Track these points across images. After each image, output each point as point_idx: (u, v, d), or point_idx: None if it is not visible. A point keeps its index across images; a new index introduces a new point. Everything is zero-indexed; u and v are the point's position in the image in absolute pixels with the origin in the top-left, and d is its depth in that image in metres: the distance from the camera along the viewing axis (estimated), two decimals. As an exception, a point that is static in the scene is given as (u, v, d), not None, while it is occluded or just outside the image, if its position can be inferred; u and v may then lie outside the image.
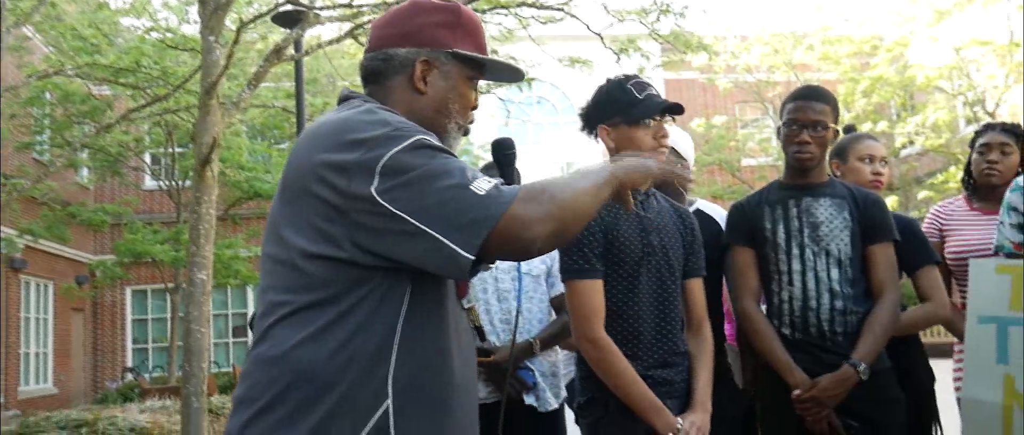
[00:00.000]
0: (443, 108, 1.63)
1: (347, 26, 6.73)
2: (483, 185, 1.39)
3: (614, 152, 2.44)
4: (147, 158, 17.20)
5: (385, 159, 1.39)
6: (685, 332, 2.45)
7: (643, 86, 2.40)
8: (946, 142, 15.89)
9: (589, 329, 2.30)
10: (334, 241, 1.42)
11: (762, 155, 19.25)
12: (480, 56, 1.66)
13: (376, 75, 1.64)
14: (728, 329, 2.93)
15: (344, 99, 1.63)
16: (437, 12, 1.66)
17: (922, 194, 16.51)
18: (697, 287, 2.52)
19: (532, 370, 3.18)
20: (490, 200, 1.38)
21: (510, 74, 1.80)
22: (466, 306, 1.71)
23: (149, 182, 17.78)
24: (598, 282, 2.32)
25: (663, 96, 2.42)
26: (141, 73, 9.82)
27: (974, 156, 3.31)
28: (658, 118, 2.34)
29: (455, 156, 1.49)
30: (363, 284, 1.43)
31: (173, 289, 14.45)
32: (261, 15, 6.38)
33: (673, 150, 2.91)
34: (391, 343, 1.44)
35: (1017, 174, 3.17)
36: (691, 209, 2.94)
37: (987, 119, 15.14)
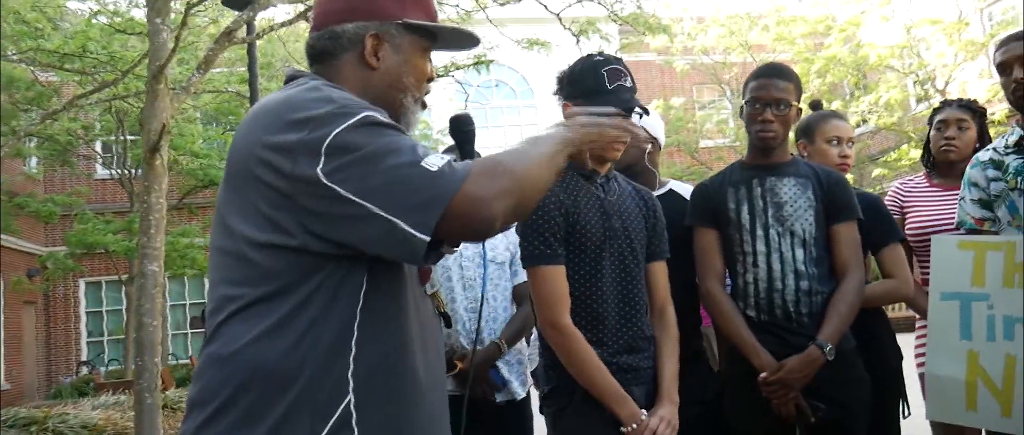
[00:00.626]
0: (397, 82, 1.55)
1: (300, 8, 6.56)
2: (435, 162, 1.32)
3: None
4: (98, 146, 16.78)
5: (330, 138, 1.31)
6: (649, 316, 2.42)
7: (617, 75, 2.33)
8: (898, 120, 16.15)
9: (553, 315, 2.26)
10: (282, 228, 1.35)
11: (720, 136, 19.41)
12: (433, 24, 1.59)
13: (324, 54, 1.56)
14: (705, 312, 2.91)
15: (290, 78, 1.55)
16: None
17: (876, 172, 16.78)
18: (660, 270, 2.48)
19: (500, 371, 3.17)
20: (443, 177, 1.30)
21: (465, 41, 1.72)
22: (430, 292, 1.64)
23: (100, 171, 17.37)
24: (560, 268, 2.28)
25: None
26: (88, 58, 9.52)
27: (932, 133, 3.32)
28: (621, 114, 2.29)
29: (404, 132, 1.42)
30: (316, 273, 1.36)
31: (128, 280, 14.17)
32: (210, -3, 6.21)
33: (647, 132, 2.87)
34: (349, 335, 1.37)
35: (974, 149, 3.19)
36: (663, 190, 2.90)
37: (938, 97, 15.44)
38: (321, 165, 1.30)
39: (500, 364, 3.19)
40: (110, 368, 16.94)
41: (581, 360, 2.23)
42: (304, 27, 8.44)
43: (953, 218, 3.01)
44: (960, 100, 3.34)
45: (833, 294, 2.53)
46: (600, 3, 7.48)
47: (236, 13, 7.11)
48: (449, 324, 1.76)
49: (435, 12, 1.63)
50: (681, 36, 17.82)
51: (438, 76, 8.25)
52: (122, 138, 14.31)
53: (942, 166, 3.29)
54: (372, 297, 1.40)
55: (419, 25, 1.57)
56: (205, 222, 15.42)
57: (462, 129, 1.72)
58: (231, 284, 1.40)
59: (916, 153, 15.08)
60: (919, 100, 16.97)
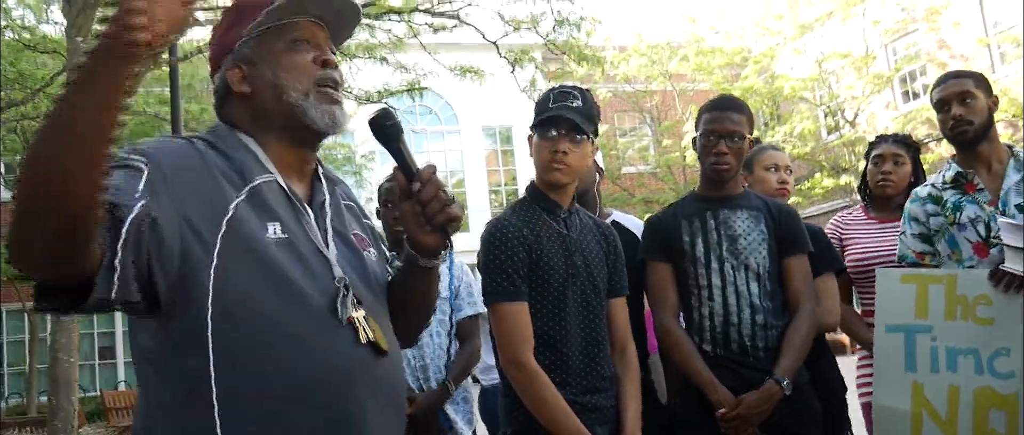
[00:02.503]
0: (275, 90, 1.45)
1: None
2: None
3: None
4: (0, 167, 15.95)
5: None
6: (610, 353, 2.39)
7: (562, 96, 2.33)
8: (811, 150, 16.71)
9: (517, 354, 2.21)
10: None
11: (641, 163, 19.73)
12: (263, 14, 1.45)
13: (220, 110, 1.53)
14: (651, 340, 2.90)
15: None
16: (221, 22, 1.54)
17: (791, 200, 17.29)
18: (621, 307, 2.47)
19: (447, 413, 3.11)
20: None
21: (341, 9, 1.55)
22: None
23: (5, 193, 16.50)
24: (524, 305, 2.24)
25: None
26: (-6, 76, 9.04)
27: (869, 167, 3.42)
28: (562, 131, 2.28)
29: (133, 166, 1.25)
30: None
31: (33, 309, 13.43)
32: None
33: (596, 163, 2.87)
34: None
35: (909, 183, 3.30)
36: (607, 221, 2.89)
37: (847, 127, 16.08)
38: None
39: (447, 405, 3.12)
40: (11, 403, 16.00)
41: (545, 401, 2.19)
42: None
43: (892, 250, 3.10)
44: (895, 135, 3.46)
45: (787, 328, 2.55)
46: (537, 32, 7.52)
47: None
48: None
49: (268, 2, 1.47)
50: (596, 63, 18.12)
51: (370, 100, 8.14)
52: (28, 160, 13.60)
53: (879, 199, 3.39)
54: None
55: (260, 27, 1.46)
56: (117, 248, 14.77)
57: (383, 126, 1.47)
58: None
59: (829, 182, 15.66)
60: (830, 131, 17.63)
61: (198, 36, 9.22)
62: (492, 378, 3.50)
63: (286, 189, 1.44)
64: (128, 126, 11.87)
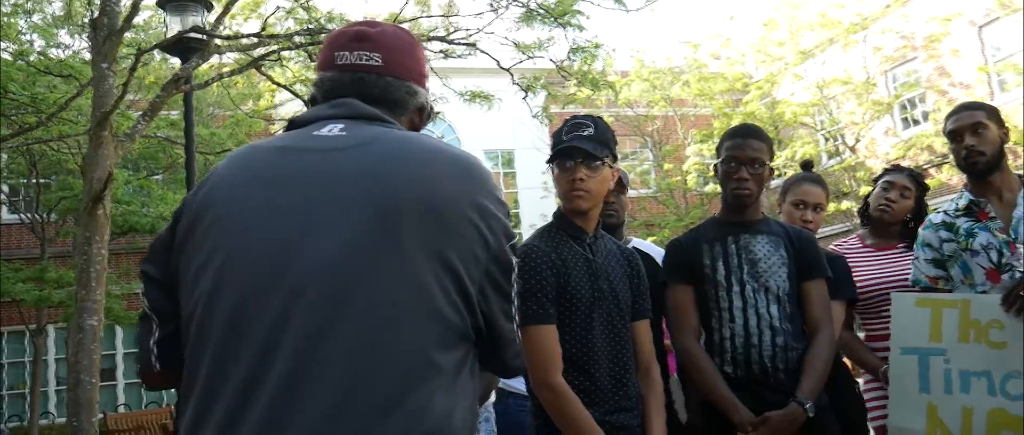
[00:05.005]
0: None
1: (246, 57, 6.49)
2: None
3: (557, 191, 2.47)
4: (3, 188, 16.01)
5: (514, 234, 1.41)
6: (636, 374, 2.47)
7: (575, 128, 2.42)
8: (812, 175, 16.80)
9: (547, 376, 2.28)
10: (466, 293, 1.32)
11: (642, 187, 19.83)
12: (431, 114, 1.61)
13: (396, 104, 1.49)
14: (670, 362, 2.97)
15: (376, 118, 1.44)
16: (423, 55, 1.59)
17: (792, 224, 17.34)
18: (645, 329, 2.54)
19: None
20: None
21: None
22: None
23: (7, 215, 16.56)
24: (553, 327, 2.31)
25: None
26: (7, 99, 9.14)
27: (876, 190, 3.49)
28: (578, 160, 2.37)
29: None
30: (472, 350, 1.38)
31: (36, 331, 13.44)
32: (161, 43, 6.03)
33: (620, 181, 2.95)
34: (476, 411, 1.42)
35: (907, 218, 3.40)
36: (628, 247, 2.97)
37: (848, 153, 16.19)
38: (509, 254, 1.38)
39: None
40: (11, 425, 15.96)
41: (575, 420, 2.25)
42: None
43: (889, 276, 3.20)
44: (911, 170, 3.54)
45: (808, 351, 2.62)
46: (550, 59, 7.65)
47: (169, 57, 6.98)
48: None
49: None
50: (606, 88, 18.27)
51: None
52: (35, 181, 13.71)
53: (875, 224, 3.46)
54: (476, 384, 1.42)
55: (430, 111, 1.59)
56: (121, 270, 14.84)
57: None
58: (432, 347, 1.26)
59: (830, 206, 15.73)
60: (830, 156, 17.75)
61: (206, 64, 9.36)
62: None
63: None
64: (137, 150, 12.00)
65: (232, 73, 6.63)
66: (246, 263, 1.28)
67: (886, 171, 3.54)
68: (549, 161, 2.45)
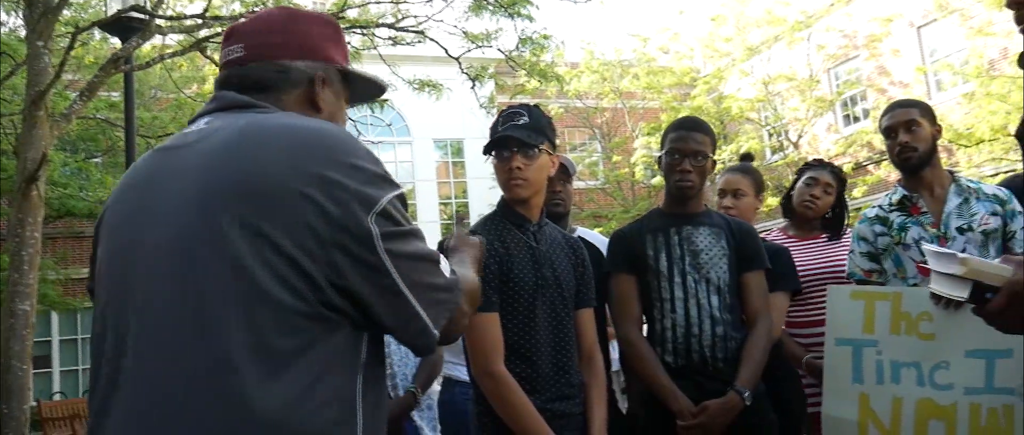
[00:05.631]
0: None
1: (192, 38, 6.34)
2: (446, 267, 1.40)
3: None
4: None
5: (384, 202, 1.28)
6: (578, 363, 2.49)
7: (509, 117, 2.43)
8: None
9: (488, 363, 2.28)
10: (309, 275, 1.22)
11: (591, 178, 19.96)
12: (365, 74, 1.58)
13: (267, 87, 1.45)
14: (613, 352, 3.01)
15: (239, 105, 1.41)
16: (323, 25, 1.55)
17: (736, 217, 17.64)
18: (588, 317, 2.56)
19: (413, 419, 3.16)
20: (455, 287, 1.40)
21: (372, 91, 1.69)
22: None
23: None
24: (495, 315, 2.31)
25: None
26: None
27: (799, 185, 3.58)
28: (513, 150, 2.38)
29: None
30: (333, 333, 1.25)
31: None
32: (99, 21, 5.84)
33: (563, 167, 2.97)
34: (354, 405, 1.28)
35: (826, 214, 3.50)
36: (573, 236, 2.99)
37: (791, 148, 16.52)
38: (372, 225, 1.25)
39: (413, 412, 3.18)
40: (-61, 412, 15.43)
41: (516, 408, 2.26)
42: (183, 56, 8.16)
43: (814, 266, 3.29)
44: (832, 166, 3.64)
45: (747, 341, 2.68)
46: (498, 49, 7.63)
47: (109, 36, 6.79)
48: None
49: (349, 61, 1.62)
50: (554, 80, 18.34)
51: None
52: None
53: (798, 218, 3.56)
54: (368, 366, 1.32)
55: (352, 73, 1.55)
56: (58, 255, 14.43)
57: None
58: (262, 332, 1.20)
59: (773, 200, 16.06)
60: (774, 151, 18.08)
61: (148, 44, 9.13)
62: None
63: None
64: (75, 132, 11.66)
65: (174, 54, 6.48)
66: (110, 270, 1.35)
67: (808, 166, 3.62)
68: (485, 152, 2.45)
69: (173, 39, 6.89)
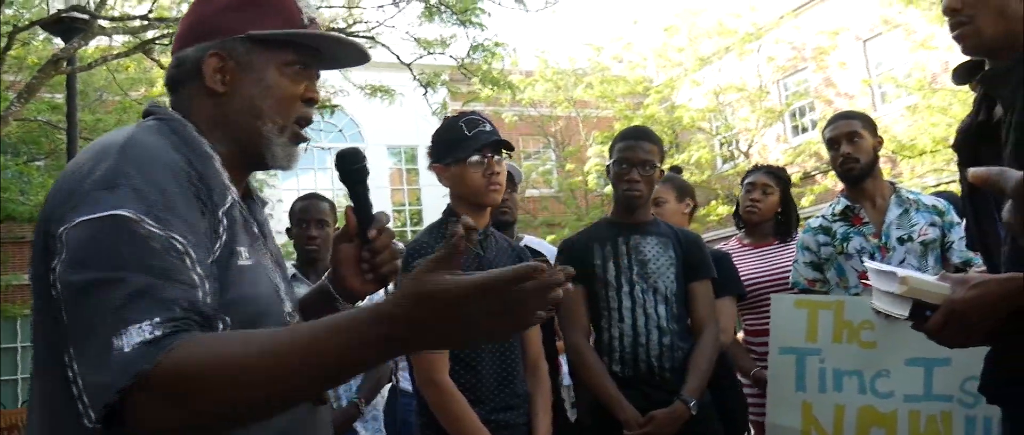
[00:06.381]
0: (250, 107, 1.28)
1: (137, 40, 6.20)
2: (135, 335, 0.94)
3: (452, 191, 2.44)
4: None
5: (66, 228, 1.03)
6: (523, 372, 2.47)
7: (475, 123, 2.41)
8: (707, 178, 17.34)
9: (432, 373, 2.26)
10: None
11: (545, 186, 20.01)
12: (286, 31, 1.30)
13: (173, 85, 1.32)
14: (561, 362, 3.00)
15: (146, 114, 1.29)
16: (202, 8, 1.33)
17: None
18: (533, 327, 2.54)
19: (357, 431, 3.12)
20: (123, 359, 0.94)
21: (348, 53, 1.40)
22: None
23: None
24: None
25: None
26: None
27: (742, 193, 3.63)
28: (489, 155, 2.36)
29: (177, 243, 1.05)
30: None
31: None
32: (39, 21, 5.64)
33: (510, 175, 2.96)
34: None
35: (776, 213, 3.54)
36: (520, 244, 2.98)
37: (742, 158, 16.76)
38: (59, 261, 1.03)
39: (356, 423, 3.13)
40: None
41: (460, 419, 2.24)
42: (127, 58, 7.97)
43: (767, 272, 3.32)
44: (769, 166, 3.69)
45: (693, 350, 2.69)
46: (450, 56, 7.59)
47: (50, 36, 6.62)
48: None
49: (299, 18, 1.33)
50: (506, 88, 18.36)
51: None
52: None
53: (749, 225, 3.60)
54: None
55: (271, 36, 1.29)
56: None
57: (349, 167, 1.40)
58: (40, 371, 1.13)
59: (723, 209, 16.28)
60: (725, 160, 18.33)
61: (93, 44, 8.92)
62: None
63: (245, 210, 1.28)
64: (16, 134, 11.33)
65: (118, 56, 6.30)
66: None
67: (747, 173, 3.66)
68: (475, 152, 2.35)
69: (120, 40, 6.71)
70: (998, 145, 1.63)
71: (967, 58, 1.75)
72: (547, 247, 3.21)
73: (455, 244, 0.97)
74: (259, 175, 16.40)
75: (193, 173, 1.17)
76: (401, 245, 1.41)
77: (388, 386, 3.50)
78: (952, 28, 1.66)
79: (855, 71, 16.16)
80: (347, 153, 1.41)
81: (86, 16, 5.56)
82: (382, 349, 0.95)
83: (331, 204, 3.40)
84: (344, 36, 1.39)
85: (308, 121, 1.34)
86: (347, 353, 0.94)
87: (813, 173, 15.81)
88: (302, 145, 1.37)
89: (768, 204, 3.53)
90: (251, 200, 1.36)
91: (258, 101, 1.29)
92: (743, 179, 3.68)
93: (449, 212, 2.48)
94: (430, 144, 2.49)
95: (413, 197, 21.81)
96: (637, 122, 17.47)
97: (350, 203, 1.41)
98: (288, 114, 1.31)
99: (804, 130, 17.50)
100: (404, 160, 21.83)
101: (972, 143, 1.73)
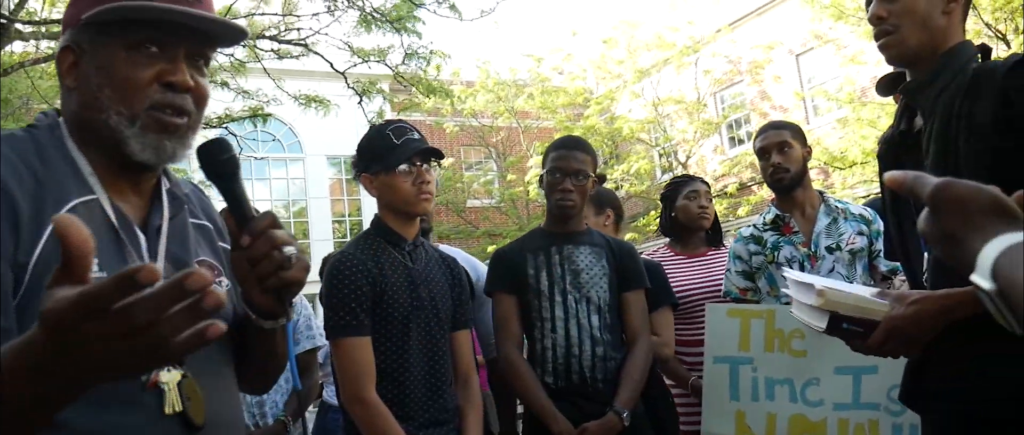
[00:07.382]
0: (91, 101, 1.18)
1: (51, 43, 5.98)
2: None
3: (380, 201, 2.38)
4: None
5: None
6: (453, 386, 2.42)
7: (402, 131, 2.36)
8: (647, 188, 17.53)
9: (358, 389, 2.19)
10: None
11: (486, 197, 19.98)
12: (110, 6, 1.15)
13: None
14: (481, 375, 2.95)
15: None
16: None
17: (628, 236, 18.05)
18: (465, 339, 2.50)
19: None
20: None
21: (218, 29, 1.24)
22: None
23: None
24: (366, 339, 2.22)
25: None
26: None
27: (681, 202, 3.56)
28: (418, 163, 2.31)
29: None
30: None
31: None
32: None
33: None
34: None
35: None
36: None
37: (680, 169, 16.99)
38: None
39: None
40: None
41: None
42: (50, 64, 7.68)
43: (700, 281, 3.33)
44: (701, 179, 3.69)
45: (626, 361, 2.67)
46: (385, 64, 7.51)
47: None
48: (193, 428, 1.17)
49: None
50: (444, 96, 18.31)
51: (209, 126, 7.81)
52: None
53: (684, 234, 3.58)
54: None
55: (97, 17, 1.16)
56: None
57: (215, 161, 1.22)
58: None
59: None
60: (664, 171, 18.55)
61: (19, 49, 8.58)
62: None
63: (111, 213, 1.17)
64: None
65: (37, 62, 6.04)
66: None
67: (680, 182, 3.62)
68: (398, 163, 2.29)
69: (45, 46, 6.45)
70: (919, 155, 1.65)
71: (891, 70, 1.77)
72: (463, 256, 3.12)
73: (71, 248, 0.73)
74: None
75: (28, 182, 1.09)
76: (292, 250, 1.16)
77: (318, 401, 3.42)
78: (877, 37, 1.68)
79: (789, 84, 16.54)
80: (211, 145, 1.23)
81: (2, 20, 5.33)
82: (33, 382, 0.75)
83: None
84: (191, 10, 1.19)
85: (171, 107, 1.19)
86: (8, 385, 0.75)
87: (749, 184, 16.10)
88: (182, 136, 1.23)
89: (712, 210, 3.55)
90: (159, 200, 1.26)
91: (97, 92, 1.17)
92: (674, 189, 3.63)
93: (375, 221, 2.41)
94: (357, 154, 2.42)
95: (353, 208, 21.56)
96: (577, 133, 17.56)
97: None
98: (134, 101, 1.18)
99: (740, 142, 17.81)
100: (344, 170, 21.58)
101: (894, 153, 1.75)
